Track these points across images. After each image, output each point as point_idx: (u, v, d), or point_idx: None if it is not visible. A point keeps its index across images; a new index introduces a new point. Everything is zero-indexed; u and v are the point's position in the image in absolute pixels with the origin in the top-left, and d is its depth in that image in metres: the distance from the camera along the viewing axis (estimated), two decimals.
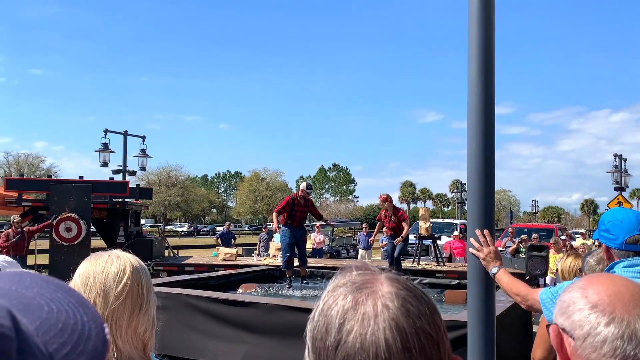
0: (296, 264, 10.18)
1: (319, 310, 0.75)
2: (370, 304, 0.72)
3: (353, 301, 0.73)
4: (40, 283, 0.56)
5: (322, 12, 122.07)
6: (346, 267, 0.79)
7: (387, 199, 10.21)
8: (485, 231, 2.61)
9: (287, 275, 10.00)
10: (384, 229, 10.56)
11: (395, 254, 9.96)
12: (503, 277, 2.55)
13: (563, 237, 16.19)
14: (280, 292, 9.53)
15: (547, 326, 1.07)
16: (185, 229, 67.85)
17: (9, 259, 2.13)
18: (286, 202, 10.03)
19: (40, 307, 0.52)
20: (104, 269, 1.46)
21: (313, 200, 10.51)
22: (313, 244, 17.36)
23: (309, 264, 10.79)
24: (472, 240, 2.64)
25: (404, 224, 10.09)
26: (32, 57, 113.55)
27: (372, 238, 12.01)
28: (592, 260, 2.74)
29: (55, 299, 0.54)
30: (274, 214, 10.32)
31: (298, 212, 9.89)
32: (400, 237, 10.00)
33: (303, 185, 10.19)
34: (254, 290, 9.73)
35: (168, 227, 68.93)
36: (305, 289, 9.69)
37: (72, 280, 1.48)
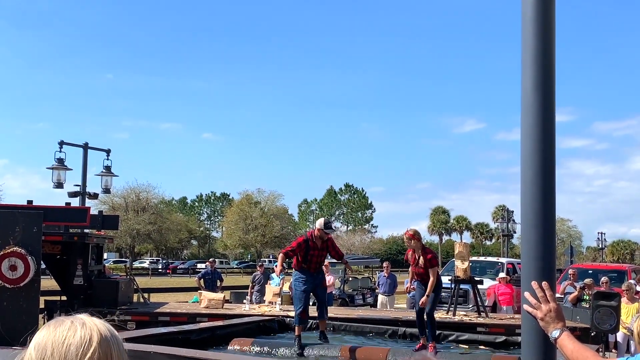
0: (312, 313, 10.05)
1: None
2: None
3: None
4: None
5: None
6: None
7: (415, 236, 9.75)
8: (544, 284, 2.61)
9: (296, 334, 9.65)
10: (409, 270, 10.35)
11: (427, 310, 9.50)
12: (567, 342, 2.53)
13: (633, 282, 16.05)
14: (292, 354, 9.38)
15: None
16: (158, 266, 67.87)
17: None
18: (297, 243, 9.90)
19: None
20: (65, 338, 1.46)
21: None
22: None
23: (312, 315, 10.68)
24: (527, 295, 2.63)
25: (430, 272, 9.50)
26: None
27: (408, 285, 11.09)
28: None
29: None
30: (281, 255, 10.32)
31: (314, 257, 9.81)
32: (424, 296, 9.50)
33: (320, 222, 10.07)
34: (248, 348, 9.66)
35: (136, 264, 69.09)
36: (322, 348, 9.51)
37: (27, 353, 1.48)
